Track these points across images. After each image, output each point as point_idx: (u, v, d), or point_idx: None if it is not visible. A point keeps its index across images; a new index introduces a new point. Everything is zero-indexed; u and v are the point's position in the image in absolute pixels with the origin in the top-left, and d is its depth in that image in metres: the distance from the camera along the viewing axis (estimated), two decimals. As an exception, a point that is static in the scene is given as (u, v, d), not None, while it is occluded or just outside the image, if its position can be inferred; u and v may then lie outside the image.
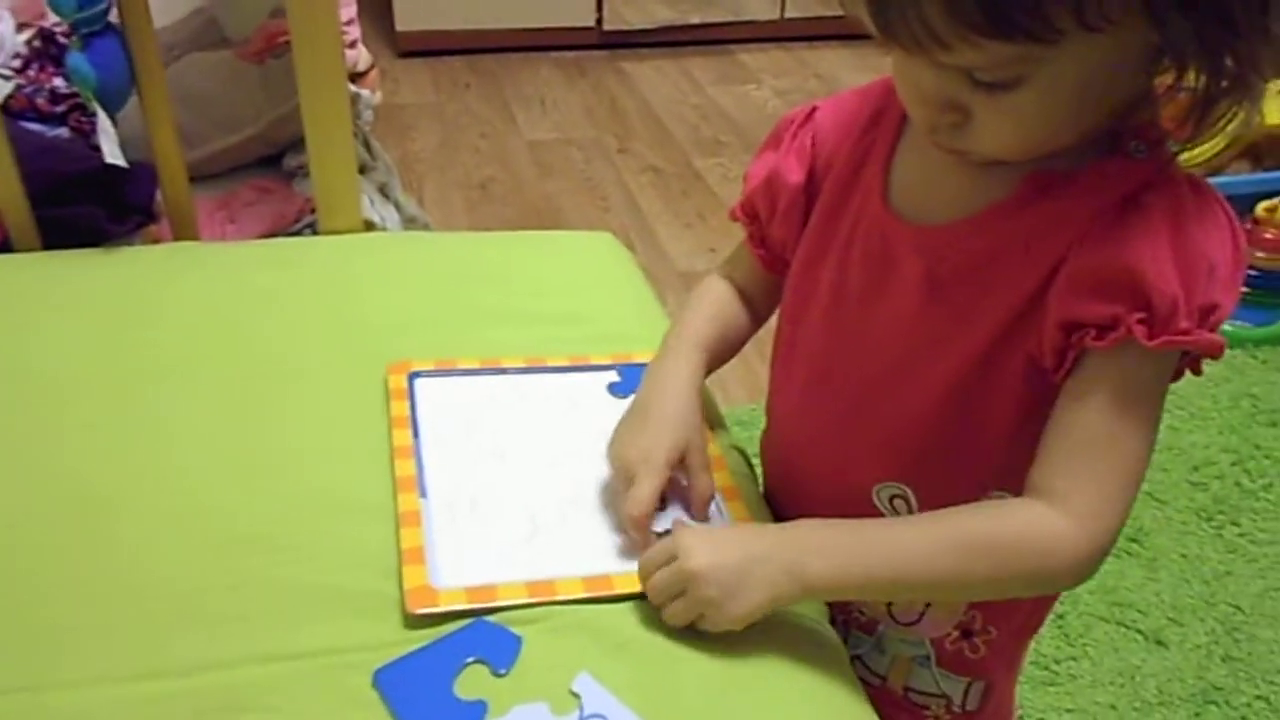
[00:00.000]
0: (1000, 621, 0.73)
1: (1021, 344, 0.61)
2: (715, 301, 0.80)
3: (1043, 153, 0.58)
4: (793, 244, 0.73)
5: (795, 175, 0.72)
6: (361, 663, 0.63)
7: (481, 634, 0.64)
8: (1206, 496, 1.54)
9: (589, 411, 0.82)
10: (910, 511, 0.68)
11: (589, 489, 0.75)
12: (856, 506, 0.68)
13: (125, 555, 0.70)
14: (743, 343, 0.81)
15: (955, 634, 0.74)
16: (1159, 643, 1.32)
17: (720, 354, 0.78)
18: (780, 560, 0.61)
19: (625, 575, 0.67)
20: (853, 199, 0.69)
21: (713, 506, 0.74)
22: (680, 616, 0.63)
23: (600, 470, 0.75)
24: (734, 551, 0.62)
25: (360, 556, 0.70)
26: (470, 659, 0.62)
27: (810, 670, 0.65)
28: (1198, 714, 1.24)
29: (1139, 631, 1.33)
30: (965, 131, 0.57)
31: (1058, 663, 1.29)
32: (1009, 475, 0.63)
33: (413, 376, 0.84)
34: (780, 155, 0.73)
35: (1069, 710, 1.24)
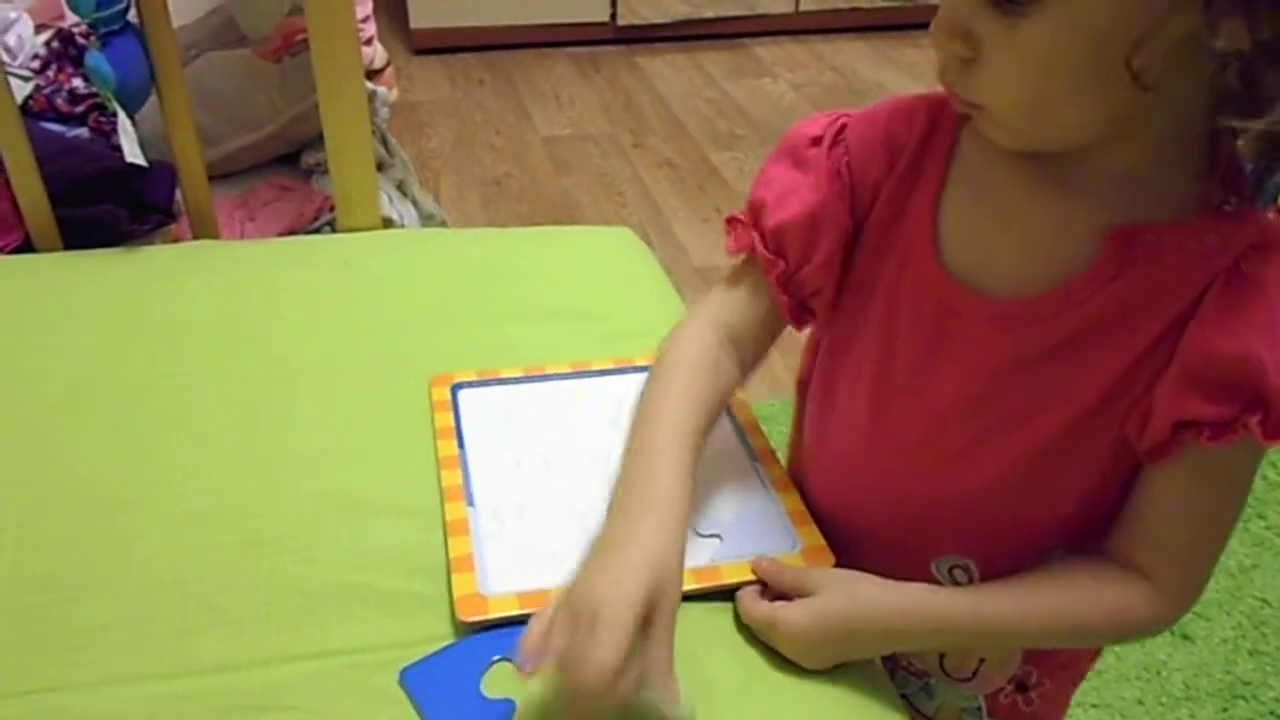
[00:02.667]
0: (1057, 673, 0.71)
1: (1113, 420, 0.58)
2: (697, 374, 0.64)
3: (1051, 130, 0.54)
4: (827, 293, 0.65)
5: (845, 217, 0.63)
6: (387, 661, 0.62)
7: (509, 633, 0.63)
8: (1232, 489, 1.52)
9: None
10: (970, 581, 0.66)
11: None
12: (911, 573, 0.64)
13: (148, 555, 0.70)
14: (723, 407, 0.68)
15: (1009, 688, 0.72)
16: (1185, 637, 1.31)
17: (705, 432, 0.64)
18: (868, 644, 0.64)
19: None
20: (894, 247, 0.62)
21: (766, 497, 0.73)
22: (752, 625, 0.64)
23: None
24: (830, 640, 0.62)
25: (384, 556, 0.70)
26: (497, 657, 0.62)
27: (843, 670, 0.65)
28: (1225, 709, 1.23)
29: (1165, 626, 1.32)
30: (973, 74, 0.52)
31: (1083, 658, 1.28)
32: (1074, 538, 0.62)
33: (456, 388, 0.84)
34: (816, 185, 0.63)
35: (1095, 705, 1.23)
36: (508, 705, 0.60)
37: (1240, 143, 0.54)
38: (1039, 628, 0.62)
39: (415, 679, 0.61)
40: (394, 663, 0.62)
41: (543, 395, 0.84)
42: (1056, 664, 0.71)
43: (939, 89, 0.58)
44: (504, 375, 0.86)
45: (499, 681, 0.61)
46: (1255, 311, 0.53)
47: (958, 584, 0.66)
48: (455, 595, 0.65)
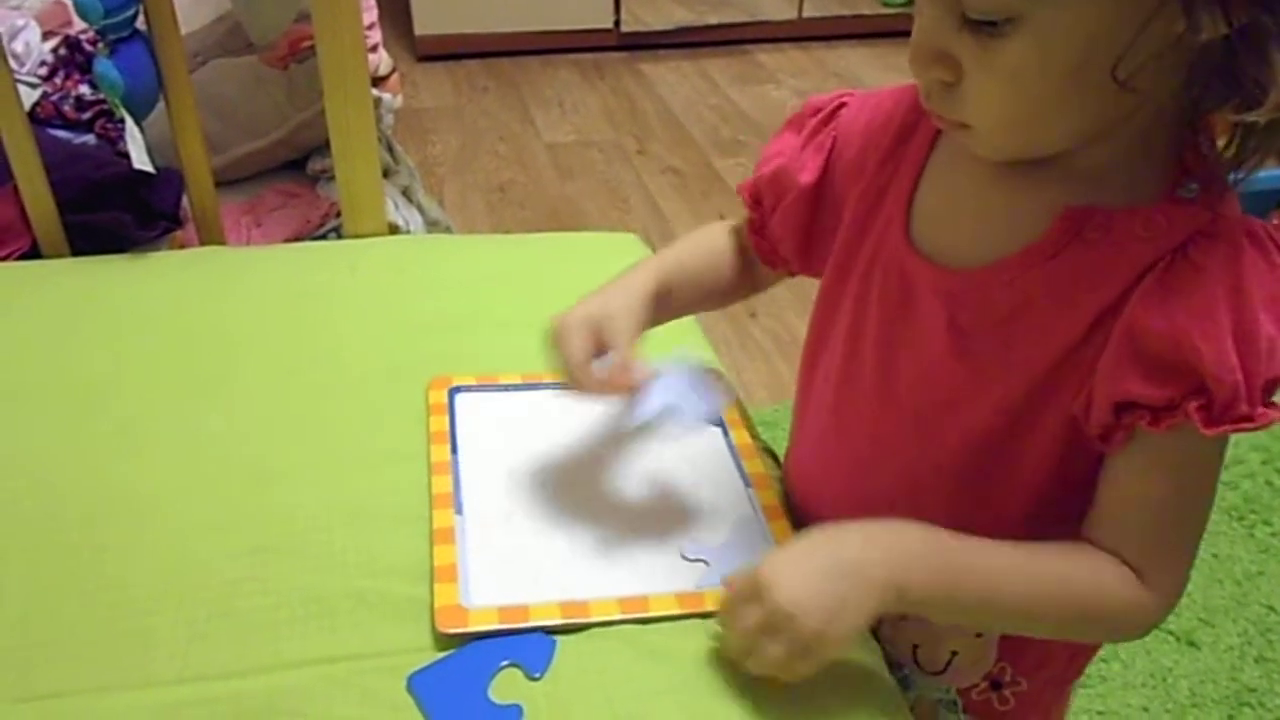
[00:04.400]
0: (1031, 673, 0.71)
1: (1058, 400, 0.58)
2: (700, 242, 0.78)
3: (1035, 140, 0.54)
4: (789, 244, 0.71)
5: (807, 175, 0.68)
6: (395, 667, 0.62)
7: (516, 638, 0.64)
8: (1237, 496, 1.52)
9: (628, 431, 0.80)
10: None
11: (627, 508, 0.74)
12: None
13: (158, 560, 0.71)
14: (718, 294, 0.78)
15: (983, 685, 0.71)
16: (1191, 644, 1.30)
17: (684, 293, 0.75)
18: (882, 571, 0.56)
19: (661, 596, 0.66)
20: (874, 226, 0.64)
21: (756, 525, 0.73)
22: (781, 661, 0.56)
23: (640, 489, 0.75)
24: (825, 571, 0.56)
25: (391, 562, 0.70)
26: (505, 663, 0.62)
27: (850, 675, 0.65)
28: (1231, 716, 1.23)
29: (1170, 633, 1.32)
30: (955, 95, 0.53)
31: (1089, 664, 1.27)
32: (1036, 526, 0.61)
33: (453, 391, 0.84)
34: (796, 147, 0.70)
35: (1100, 713, 1.23)
36: (515, 710, 0.60)
37: (1216, 130, 0.54)
38: (1045, 591, 0.59)
39: (423, 684, 0.61)
40: (401, 668, 0.62)
41: (540, 403, 0.83)
42: (1031, 662, 0.70)
43: None
44: (503, 381, 0.85)
45: (507, 687, 0.61)
46: (1194, 297, 0.53)
47: None
48: (435, 605, 0.65)
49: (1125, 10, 0.47)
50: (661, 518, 0.73)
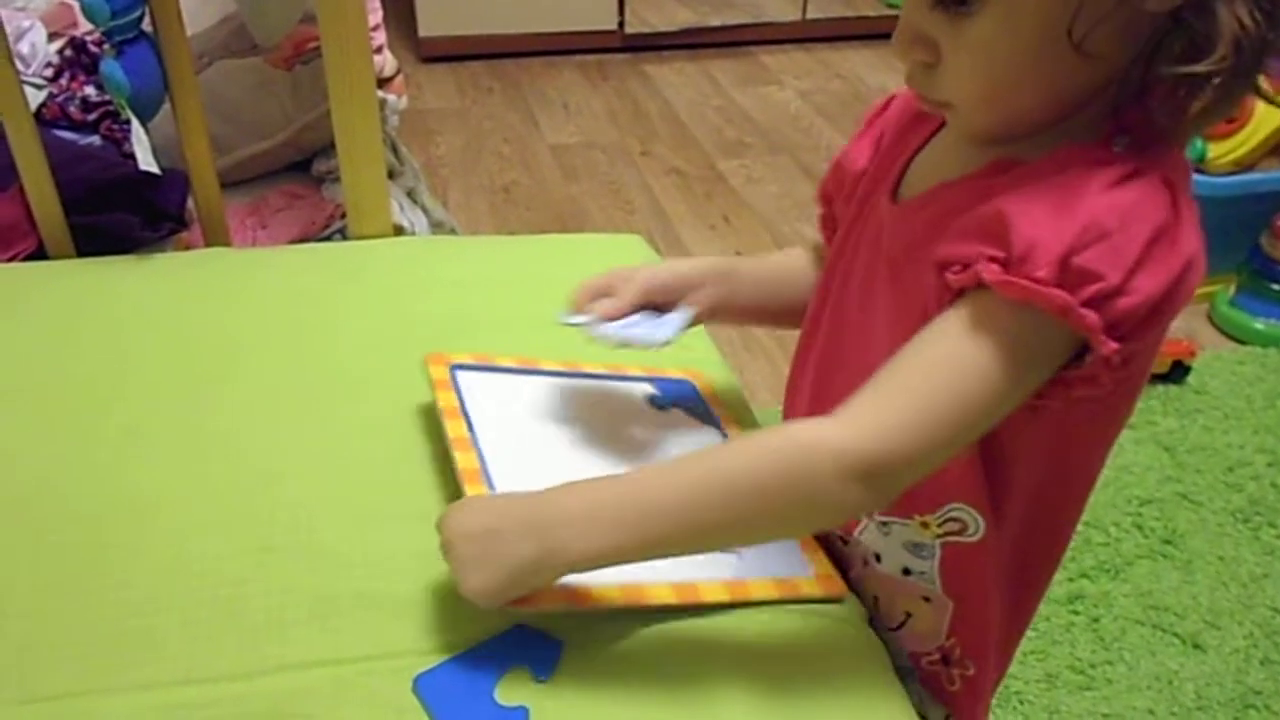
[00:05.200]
0: (976, 656, 0.71)
1: None
2: (778, 257, 0.82)
3: (1012, 114, 0.57)
4: None
5: (860, 162, 0.71)
6: (401, 669, 0.62)
7: (522, 640, 0.64)
8: (1242, 498, 1.52)
9: (630, 421, 0.81)
10: (874, 519, 0.68)
11: None
12: None
13: (164, 561, 0.71)
14: (791, 304, 0.78)
15: (935, 656, 0.72)
16: (1196, 646, 1.30)
17: (749, 287, 0.79)
18: (532, 541, 0.56)
19: (712, 584, 0.66)
20: (873, 197, 0.69)
21: (794, 555, 0.71)
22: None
23: None
24: (478, 523, 0.58)
25: (398, 562, 0.70)
26: (512, 665, 0.62)
27: (853, 679, 0.65)
28: (1237, 719, 1.22)
29: (1176, 635, 1.32)
30: (935, 75, 0.57)
31: (1093, 667, 1.27)
32: (966, 489, 0.62)
33: (454, 368, 0.82)
34: (854, 140, 0.73)
35: (1105, 715, 1.22)
36: (521, 712, 0.60)
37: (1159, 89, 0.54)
38: (709, 490, 0.56)
39: (429, 686, 0.61)
40: (408, 670, 0.62)
41: (539, 389, 0.82)
42: (974, 640, 0.70)
43: None
44: (501, 363, 0.84)
45: (513, 689, 0.61)
46: (1028, 182, 0.54)
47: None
48: None
49: (1099, 4, 0.50)
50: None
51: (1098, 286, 0.51)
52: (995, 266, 0.52)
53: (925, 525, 0.66)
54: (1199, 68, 0.50)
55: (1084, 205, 0.51)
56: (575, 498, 0.58)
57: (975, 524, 0.64)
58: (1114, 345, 0.52)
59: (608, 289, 0.74)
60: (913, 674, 0.74)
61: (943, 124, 0.66)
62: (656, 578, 0.65)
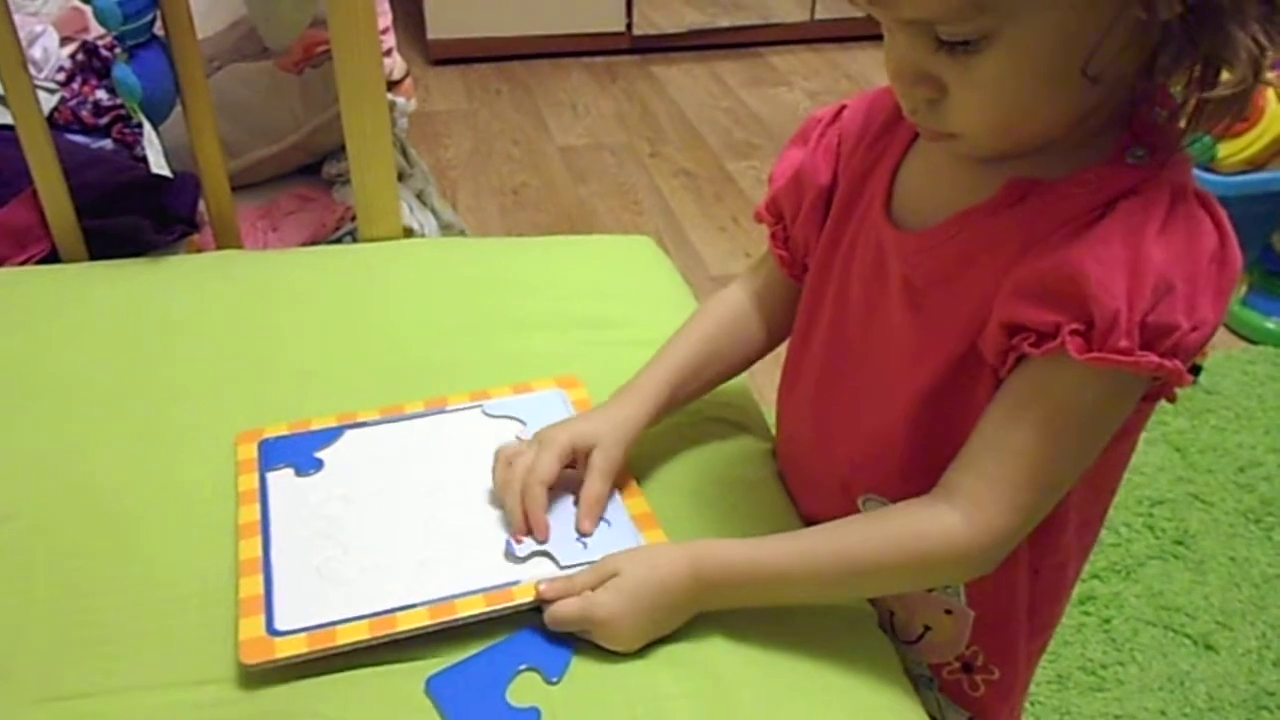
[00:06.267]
0: (1003, 664, 0.71)
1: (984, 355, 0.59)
2: (715, 321, 0.78)
3: (1024, 138, 0.56)
4: (813, 247, 0.72)
5: (822, 176, 0.70)
6: (414, 669, 0.63)
7: (534, 642, 0.64)
8: (1254, 498, 1.51)
9: (448, 448, 0.79)
10: None
11: (452, 520, 0.72)
12: (844, 512, 0.66)
13: (176, 563, 0.71)
14: (751, 358, 0.79)
15: (955, 665, 0.72)
16: (1208, 647, 1.30)
17: (707, 378, 0.77)
18: (683, 611, 0.64)
19: (469, 598, 0.65)
20: (858, 207, 0.67)
21: (611, 523, 0.70)
22: (569, 627, 0.64)
23: (467, 500, 0.73)
24: (649, 590, 0.62)
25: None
26: (523, 666, 0.62)
27: (861, 676, 0.65)
28: (1250, 720, 1.22)
29: (1187, 636, 1.31)
30: (941, 109, 0.55)
31: (1104, 668, 1.27)
32: None
33: (264, 444, 0.79)
34: (808, 153, 0.71)
35: (1118, 716, 1.22)
36: (533, 713, 0.60)
37: (1171, 97, 0.55)
38: (843, 571, 0.62)
39: (441, 687, 0.61)
40: (421, 671, 0.63)
41: (358, 440, 0.79)
42: (1000, 648, 0.70)
43: None
44: (316, 427, 0.80)
45: (524, 690, 0.61)
46: (1095, 230, 0.54)
47: None
48: (240, 639, 0.63)
49: (1091, 12, 0.50)
50: (487, 523, 0.71)
51: (1174, 337, 0.53)
52: (1079, 340, 0.53)
53: None
54: (1221, 92, 0.51)
55: (1148, 263, 0.52)
56: (715, 568, 0.63)
57: None
58: (1190, 376, 0.54)
59: (572, 460, 0.71)
60: (931, 682, 0.73)
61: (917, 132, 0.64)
62: (411, 602, 0.65)
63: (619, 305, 1.00)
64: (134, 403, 0.86)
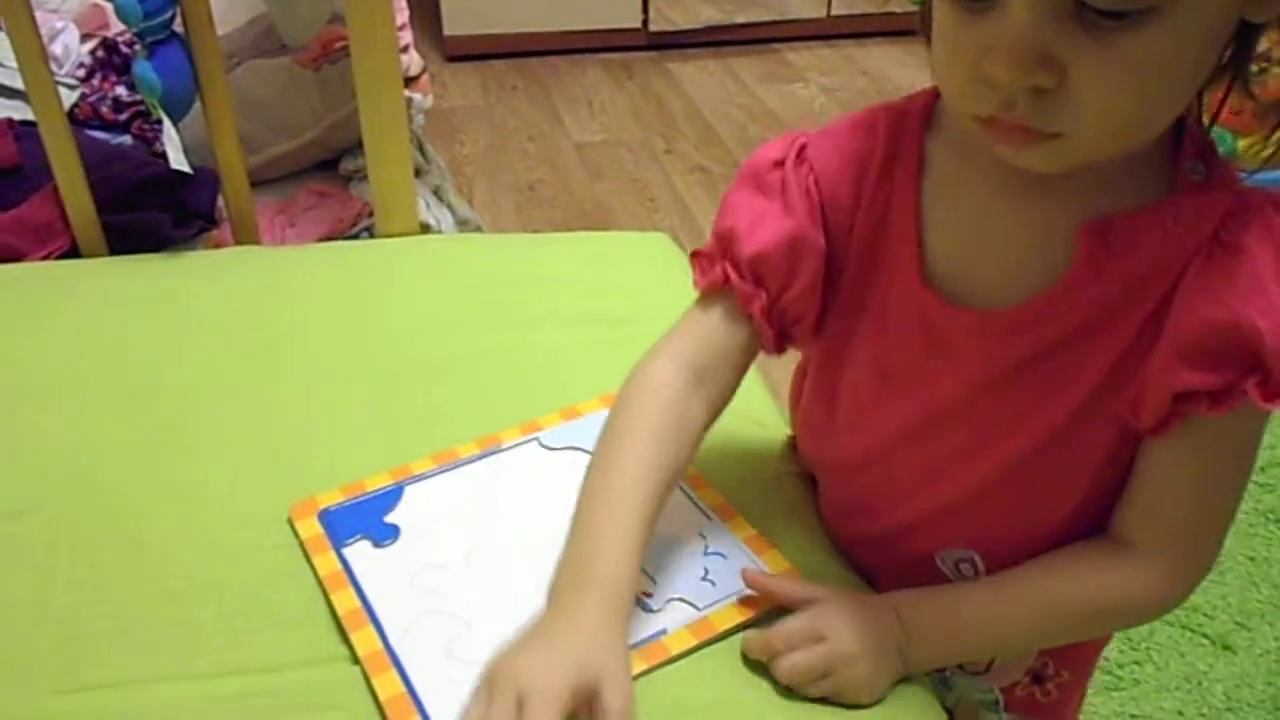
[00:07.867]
0: (1073, 665, 0.71)
1: (1108, 409, 0.57)
2: (660, 424, 0.61)
3: (1129, 144, 0.51)
4: (810, 318, 0.63)
5: (819, 238, 0.60)
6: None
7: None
8: (1274, 498, 1.50)
9: (517, 492, 0.75)
10: (977, 574, 0.65)
11: (543, 574, 0.60)
12: (919, 570, 0.66)
13: (195, 556, 0.72)
14: (697, 445, 0.64)
15: (1025, 680, 0.71)
16: (1226, 648, 1.29)
17: (670, 485, 0.61)
18: (896, 660, 0.62)
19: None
20: (881, 264, 0.61)
21: (727, 555, 0.67)
22: (815, 690, 0.60)
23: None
24: (876, 631, 0.61)
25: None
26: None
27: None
28: (1268, 721, 1.21)
29: (1205, 636, 1.30)
30: (1053, 103, 0.47)
31: (1121, 667, 1.26)
32: (1081, 524, 0.61)
33: (324, 516, 0.73)
34: (787, 208, 0.60)
35: (1134, 716, 1.21)
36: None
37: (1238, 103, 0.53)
38: (1045, 620, 0.62)
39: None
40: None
41: (424, 496, 0.74)
42: (1072, 654, 0.71)
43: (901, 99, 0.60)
44: (370, 489, 0.75)
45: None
46: (1240, 276, 0.52)
47: (964, 576, 0.66)
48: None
49: (1234, 7, 0.47)
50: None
51: None
52: (1260, 390, 0.53)
53: None
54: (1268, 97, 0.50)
55: None
56: (919, 614, 0.62)
57: None
58: None
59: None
60: (996, 705, 0.72)
61: (919, 169, 0.59)
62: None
63: (635, 301, 1.00)
64: (151, 398, 0.87)
